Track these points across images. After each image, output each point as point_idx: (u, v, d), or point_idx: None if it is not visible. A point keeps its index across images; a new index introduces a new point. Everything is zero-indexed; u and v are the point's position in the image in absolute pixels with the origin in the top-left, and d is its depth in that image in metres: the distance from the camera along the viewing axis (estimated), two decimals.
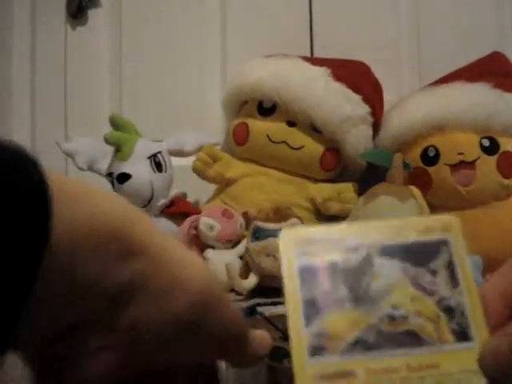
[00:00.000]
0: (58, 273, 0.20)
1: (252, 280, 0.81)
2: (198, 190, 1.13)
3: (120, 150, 0.95)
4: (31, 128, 1.29)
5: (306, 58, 1.10)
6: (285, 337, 0.28)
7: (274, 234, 0.81)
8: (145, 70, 1.27)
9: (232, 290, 0.82)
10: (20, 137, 1.29)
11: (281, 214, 0.84)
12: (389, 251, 0.21)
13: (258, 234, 0.82)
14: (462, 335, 0.21)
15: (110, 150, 0.97)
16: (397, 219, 0.22)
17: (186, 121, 1.21)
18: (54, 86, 1.29)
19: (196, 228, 0.93)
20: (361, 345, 0.21)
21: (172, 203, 1.00)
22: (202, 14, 1.27)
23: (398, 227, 0.22)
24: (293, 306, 0.22)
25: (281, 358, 0.36)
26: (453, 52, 1.15)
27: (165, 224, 0.99)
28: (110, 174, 0.97)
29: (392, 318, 0.21)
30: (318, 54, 1.20)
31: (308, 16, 1.23)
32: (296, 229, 0.22)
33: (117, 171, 0.95)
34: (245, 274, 0.84)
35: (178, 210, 1.00)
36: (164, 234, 0.24)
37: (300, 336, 0.21)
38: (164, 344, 0.23)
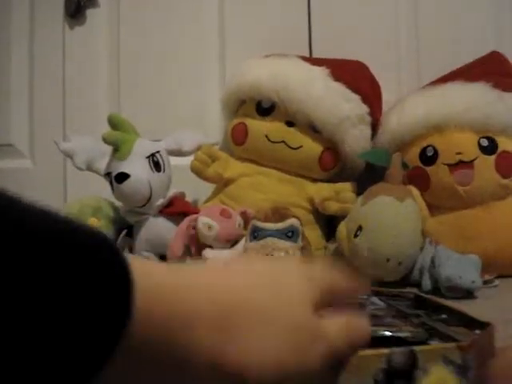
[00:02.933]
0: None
1: None
2: (196, 190, 1.13)
3: (118, 150, 0.95)
4: (30, 127, 1.29)
5: (304, 58, 1.10)
6: None
7: (272, 233, 0.81)
8: (143, 69, 1.27)
9: None
10: (18, 136, 1.29)
11: (279, 214, 0.84)
12: None
13: (257, 234, 0.82)
14: None
15: (109, 149, 0.97)
16: None
17: (185, 120, 1.21)
18: (53, 86, 1.29)
19: (194, 228, 0.93)
20: None
21: (170, 203, 1.00)
22: (200, 14, 1.26)
23: None
24: None
25: None
26: (452, 52, 1.15)
27: (163, 224, 0.99)
28: (108, 174, 0.97)
29: None
30: (316, 53, 1.20)
31: (307, 16, 1.22)
32: None
33: (115, 171, 0.95)
34: None
35: (176, 209, 1.00)
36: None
37: None
38: None
